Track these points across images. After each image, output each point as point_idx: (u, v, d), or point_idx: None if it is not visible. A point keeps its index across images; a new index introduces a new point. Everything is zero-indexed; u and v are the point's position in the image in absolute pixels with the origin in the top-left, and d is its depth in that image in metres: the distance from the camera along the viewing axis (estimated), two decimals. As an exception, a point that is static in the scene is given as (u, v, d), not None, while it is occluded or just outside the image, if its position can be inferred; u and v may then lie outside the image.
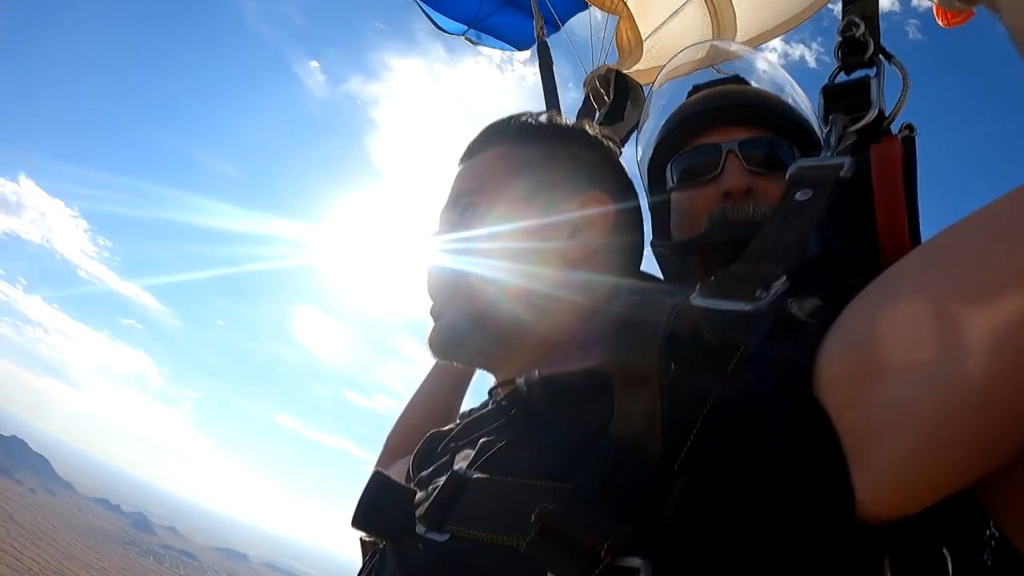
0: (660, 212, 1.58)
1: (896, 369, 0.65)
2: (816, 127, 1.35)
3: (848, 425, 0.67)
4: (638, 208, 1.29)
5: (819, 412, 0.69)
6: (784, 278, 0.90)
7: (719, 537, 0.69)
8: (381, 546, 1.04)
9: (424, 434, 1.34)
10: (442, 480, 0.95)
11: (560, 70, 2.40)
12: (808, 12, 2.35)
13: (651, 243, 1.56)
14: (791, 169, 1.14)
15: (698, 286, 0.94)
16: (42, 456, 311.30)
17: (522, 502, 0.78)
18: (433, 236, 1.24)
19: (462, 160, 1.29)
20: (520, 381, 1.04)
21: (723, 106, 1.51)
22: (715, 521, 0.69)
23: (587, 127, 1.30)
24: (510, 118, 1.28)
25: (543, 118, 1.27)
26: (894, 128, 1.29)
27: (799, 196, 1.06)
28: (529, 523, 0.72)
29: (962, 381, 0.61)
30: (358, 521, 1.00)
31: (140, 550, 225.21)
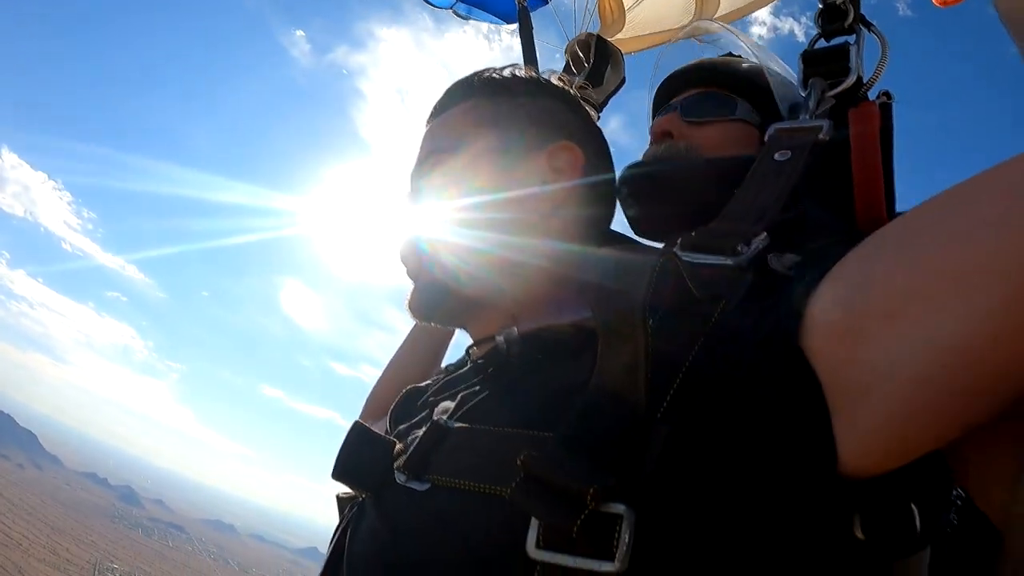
0: None
1: (882, 329, 0.66)
2: (796, 92, 1.34)
3: (834, 381, 0.68)
4: (607, 158, 1.28)
5: (805, 367, 0.70)
6: (764, 235, 0.92)
7: (700, 485, 0.70)
8: (360, 499, 1.02)
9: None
10: (421, 432, 0.94)
11: (545, 39, 2.37)
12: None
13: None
14: (769, 131, 1.17)
15: (679, 241, 0.96)
16: (29, 431, 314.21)
17: (504, 451, 0.79)
18: (404, 199, 1.23)
19: (429, 119, 1.28)
20: (499, 338, 1.04)
21: (682, 70, 1.57)
22: (696, 470, 0.70)
23: (553, 78, 1.30)
24: (475, 74, 1.27)
25: (507, 71, 1.26)
26: (872, 95, 1.29)
27: (778, 156, 1.08)
28: (511, 472, 0.72)
29: (947, 342, 0.63)
30: (337, 472, 1.00)
31: (128, 523, 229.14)
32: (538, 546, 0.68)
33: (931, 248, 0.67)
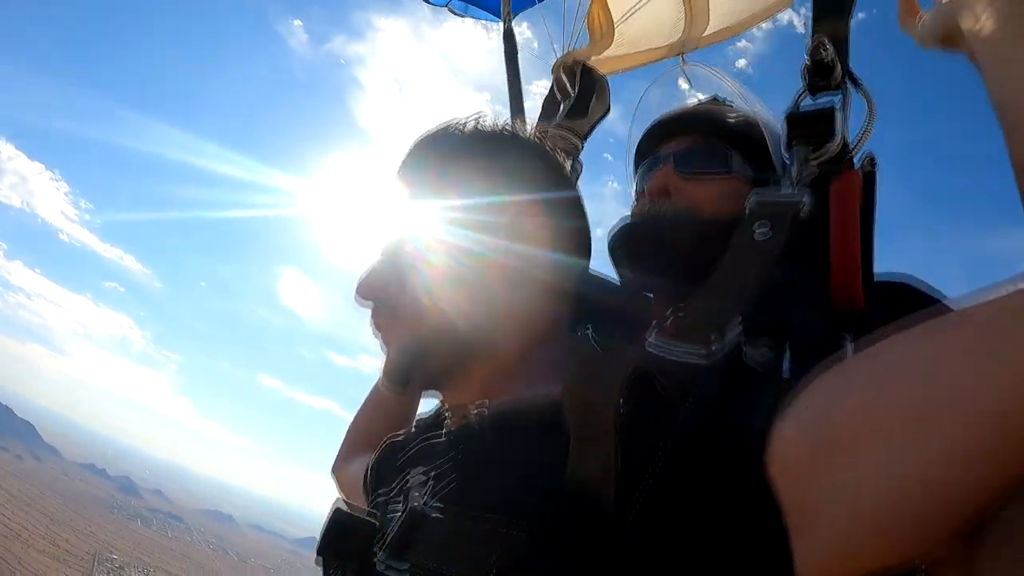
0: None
1: (835, 471, 0.68)
2: (782, 147, 1.32)
3: (792, 507, 0.70)
4: (577, 207, 1.26)
5: (766, 485, 0.72)
6: (739, 325, 0.93)
7: None
8: (344, 570, 1.08)
9: (381, 434, 1.40)
10: (400, 509, 1.02)
11: (531, 52, 2.39)
12: (782, 4, 2.32)
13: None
14: (750, 202, 1.17)
15: (655, 326, 0.98)
16: (27, 422, 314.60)
17: (479, 538, 0.84)
18: (377, 259, 1.22)
19: (398, 174, 1.27)
20: (472, 415, 1.08)
21: (671, 118, 1.57)
22: (663, 573, 0.73)
23: (519, 132, 1.26)
24: (436, 133, 1.25)
25: (469, 127, 1.24)
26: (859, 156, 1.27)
27: (758, 234, 1.09)
28: (485, 563, 0.78)
29: (894, 490, 0.65)
30: (322, 551, 1.07)
31: (127, 514, 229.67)
32: None
33: (884, 400, 0.68)
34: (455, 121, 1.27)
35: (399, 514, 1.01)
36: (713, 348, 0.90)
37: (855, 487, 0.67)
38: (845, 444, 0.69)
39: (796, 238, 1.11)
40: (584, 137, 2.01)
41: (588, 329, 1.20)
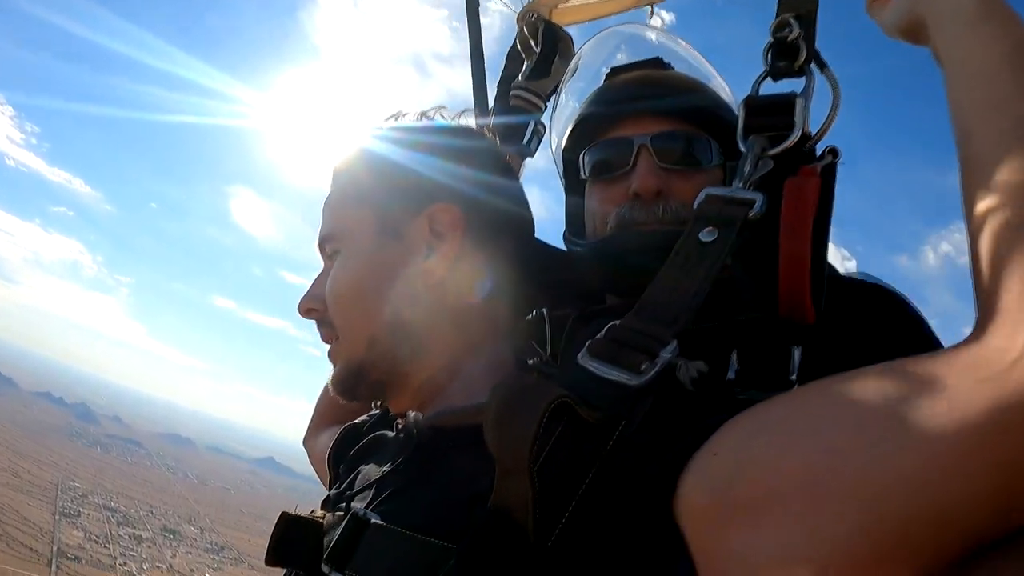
0: (573, 205, 1.56)
1: (741, 524, 0.69)
2: (738, 136, 1.22)
3: (699, 552, 0.72)
4: (511, 208, 1.25)
5: (674, 531, 0.74)
6: (673, 344, 0.91)
7: None
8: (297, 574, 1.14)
9: (347, 408, 1.47)
10: (345, 512, 1.06)
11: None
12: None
13: (564, 236, 1.57)
14: (699, 198, 1.11)
15: (587, 344, 0.95)
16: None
17: (412, 559, 0.91)
18: (309, 288, 1.25)
19: (330, 183, 1.29)
20: (410, 422, 1.13)
21: (637, 95, 1.45)
22: None
23: (435, 128, 1.25)
24: (356, 139, 1.26)
25: (383, 134, 1.24)
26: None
27: (703, 236, 1.04)
28: None
29: (798, 554, 0.65)
30: (270, 559, 1.10)
31: (86, 441, 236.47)
32: None
33: (799, 454, 0.68)
34: (392, 118, 1.27)
35: (344, 519, 1.04)
36: (643, 370, 0.89)
37: (753, 554, 0.68)
38: (745, 511, 0.69)
39: (745, 241, 1.06)
40: (547, 97, 1.94)
41: (543, 311, 1.25)
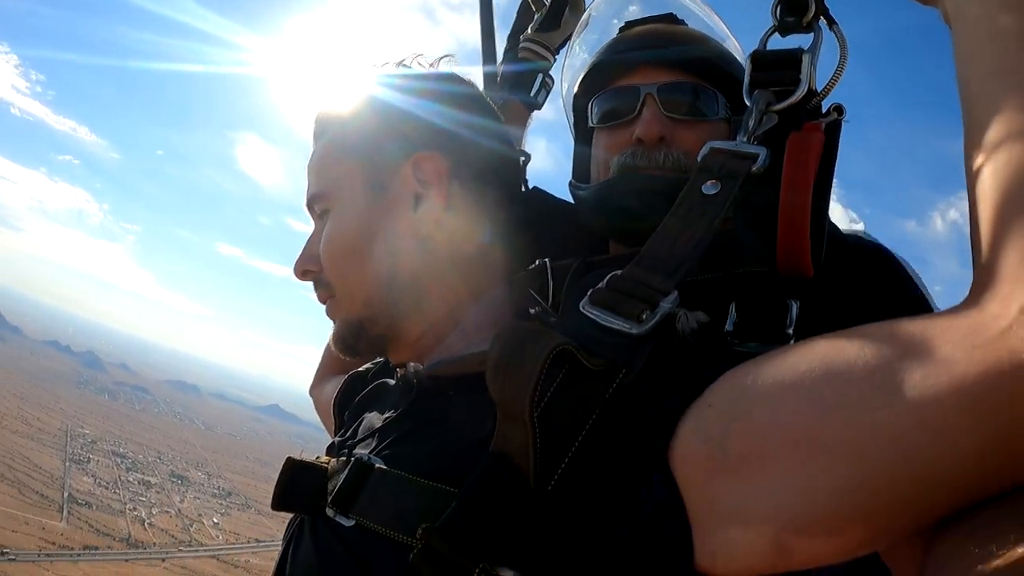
0: (580, 153, 1.58)
1: (733, 473, 0.72)
2: (744, 90, 1.22)
3: (691, 500, 0.75)
4: (500, 154, 1.26)
5: (669, 479, 0.77)
6: (674, 294, 0.92)
7: (579, 556, 0.79)
8: (300, 519, 1.15)
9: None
10: (349, 458, 1.08)
11: None
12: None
13: (569, 184, 1.58)
14: (703, 151, 1.11)
15: (589, 293, 0.97)
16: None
17: (415, 503, 0.93)
18: (303, 249, 1.25)
19: (313, 139, 1.30)
20: (410, 372, 1.16)
21: (648, 46, 1.46)
22: (577, 542, 0.79)
23: (416, 74, 1.26)
24: (336, 91, 1.25)
25: (363, 83, 1.24)
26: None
27: (706, 188, 1.04)
28: (417, 522, 0.84)
29: (787, 504, 0.68)
30: (276, 503, 1.12)
31: (94, 388, 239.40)
32: None
33: (792, 410, 0.70)
34: (383, 65, 1.27)
35: (348, 464, 1.06)
36: (644, 319, 0.90)
37: (743, 504, 0.71)
38: (739, 462, 0.72)
39: (747, 194, 1.08)
40: (556, 51, 1.95)
41: (545, 261, 1.25)
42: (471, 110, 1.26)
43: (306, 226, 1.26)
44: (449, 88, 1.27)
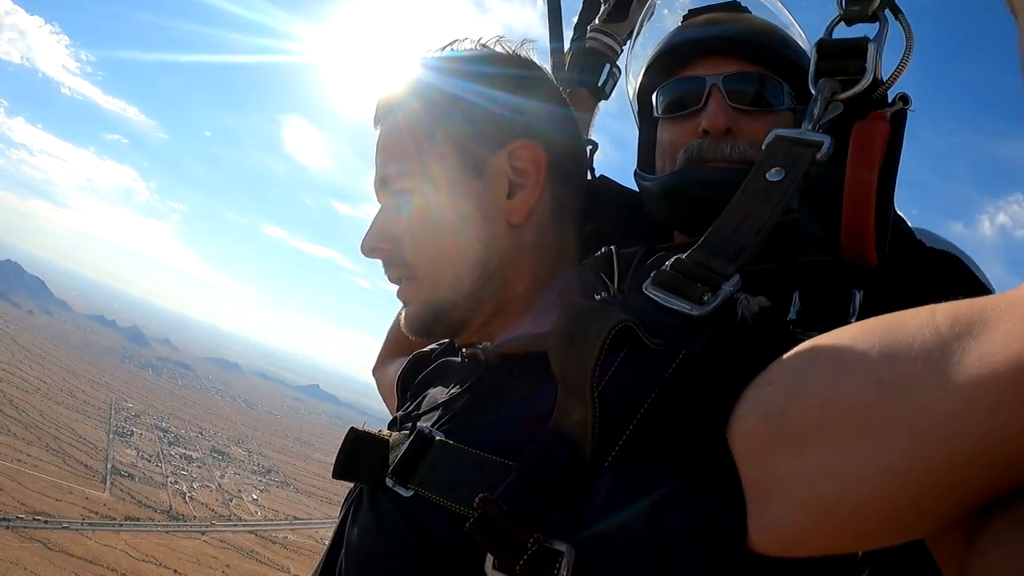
0: (645, 142, 1.59)
1: (790, 450, 0.72)
2: (809, 79, 1.22)
3: (747, 476, 0.75)
4: (573, 134, 1.28)
5: (726, 456, 0.77)
6: (736, 278, 0.94)
7: (634, 532, 0.78)
8: (360, 488, 1.17)
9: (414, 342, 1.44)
10: (411, 431, 1.10)
11: None
12: None
13: (634, 173, 1.58)
14: (768, 139, 1.11)
15: (652, 275, 0.99)
16: (37, 277, 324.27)
17: (474, 474, 0.94)
18: (373, 226, 1.24)
19: (376, 123, 1.27)
20: (479, 351, 1.17)
21: (713, 36, 1.45)
22: (632, 518, 0.79)
23: (501, 49, 1.26)
24: (414, 70, 1.24)
25: (448, 66, 1.23)
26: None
27: (770, 175, 1.04)
28: (475, 494, 0.85)
29: (843, 482, 0.68)
30: (337, 472, 1.14)
31: (138, 363, 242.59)
32: (494, 567, 0.82)
33: (849, 388, 0.69)
34: (447, 49, 1.26)
35: (410, 436, 1.08)
36: (705, 301, 0.91)
37: (798, 481, 0.71)
38: (796, 438, 0.72)
39: (811, 182, 1.07)
40: (623, 42, 1.94)
41: (611, 248, 1.27)
42: (555, 100, 1.28)
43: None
44: (535, 75, 1.28)
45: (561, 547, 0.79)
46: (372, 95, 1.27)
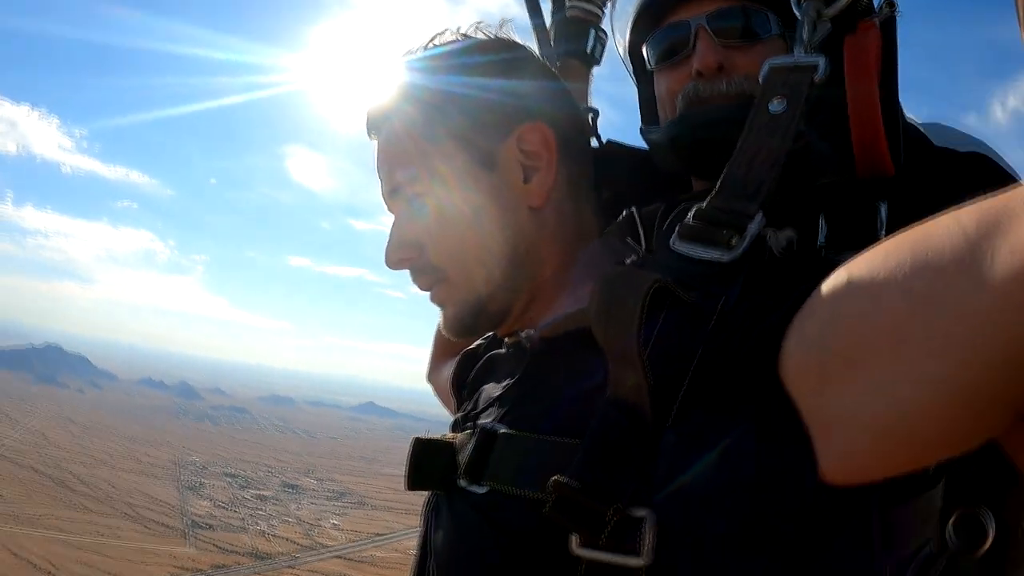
0: (646, 99, 1.60)
1: (842, 377, 0.73)
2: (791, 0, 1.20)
3: (807, 409, 0.76)
4: (578, 114, 1.28)
5: (782, 395, 0.78)
6: (759, 216, 0.94)
7: (707, 488, 0.80)
8: (435, 495, 1.18)
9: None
10: (474, 430, 1.10)
11: None
12: None
13: (640, 130, 1.58)
14: (764, 71, 1.11)
15: (676, 229, 1.00)
16: (78, 355, 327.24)
17: (542, 459, 0.94)
18: (388, 242, 1.23)
19: (371, 132, 1.26)
20: (523, 339, 1.19)
21: None
22: (704, 473, 0.80)
23: (485, 45, 1.24)
24: (402, 70, 1.22)
25: (434, 64, 1.21)
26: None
27: (773, 107, 1.05)
28: (548, 478, 0.85)
29: (896, 399, 0.68)
30: (409, 484, 1.15)
31: (193, 416, 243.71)
32: (579, 545, 0.83)
33: (885, 307, 0.70)
34: (431, 45, 1.25)
35: (474, 435, 1.09)
36: (733, 245, 0.92)
37: (855, 406, 0.72)
38: (844, 365, 0.73)
39: (814, 106, 1.06)
40: (603, 4, 1.92)
41: (632, 209, 1.27)
42: (546, 76, 1.26)
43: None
44: (522, 55, 1.26)
45: (642, 512, 0.80)
46: (363, 107, 1.26)
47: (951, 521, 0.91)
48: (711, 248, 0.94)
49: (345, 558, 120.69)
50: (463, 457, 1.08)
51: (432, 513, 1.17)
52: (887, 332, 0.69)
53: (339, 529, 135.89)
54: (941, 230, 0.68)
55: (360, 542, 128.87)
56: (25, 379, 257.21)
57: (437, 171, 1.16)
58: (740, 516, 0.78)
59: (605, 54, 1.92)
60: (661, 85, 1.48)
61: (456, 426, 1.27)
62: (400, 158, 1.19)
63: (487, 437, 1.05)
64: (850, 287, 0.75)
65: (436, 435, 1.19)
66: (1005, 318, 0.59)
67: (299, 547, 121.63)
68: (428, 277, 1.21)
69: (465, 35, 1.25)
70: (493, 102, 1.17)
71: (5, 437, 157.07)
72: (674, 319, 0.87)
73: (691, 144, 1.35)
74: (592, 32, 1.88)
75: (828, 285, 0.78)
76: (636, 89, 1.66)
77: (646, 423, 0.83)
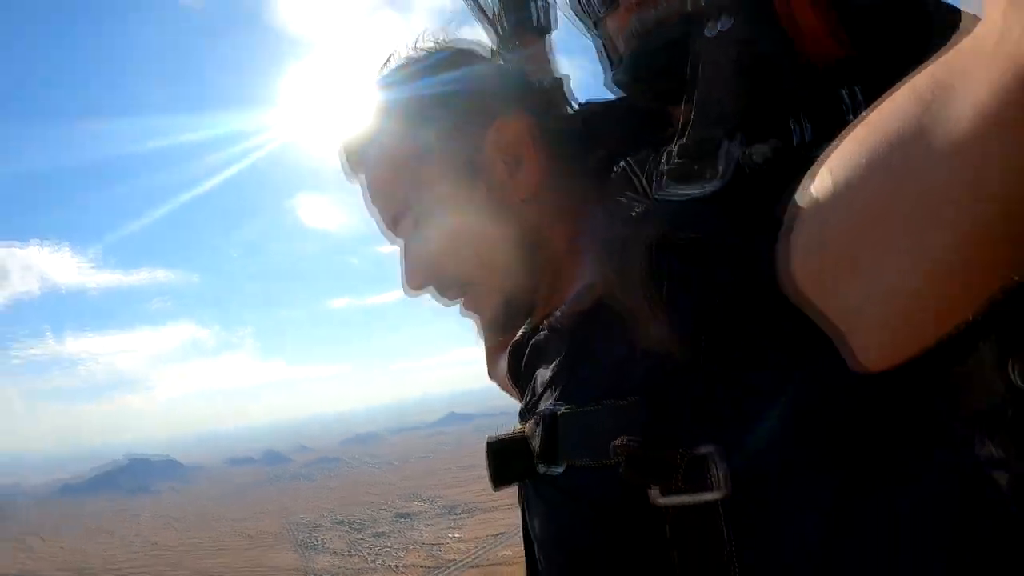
0: (602, 51, 1.59)
1: (847, 278, 0.75)
2: None
3: (832, 312, 0.78)
4: (544, 90, 1.31)
5: (805, 303, 0.80)
6: (727, 141, 0.96)
7: (762, 414, 0.83)
8: (523, 486, 1.21)
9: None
10: (537, 417, 1.13)
11: None
12: None
13: (605, 81, 1.57)
14: None
15: (664, 174, 1.03)
16: (163, 457, 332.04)
17: (604, 425, 0.96)
18: (403, 270, 1.27)
19: (355, 168, 1.29)
20: (553, 319, 1.21)
21: None
22: (753, 402, 0.84)
23: (430, 59, 1.26)
24: (375, 95, 1.25)
25: (394, 87, 1.23)
26: None
27: (714, 29, 1.04)
28: (615, 439, 0.90)
29: (902, 288, 0.70)
30: (496, 483, 1.19)
31: (287, 479, 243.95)
32: (661, 495, 0.87)
33: (870, 190, 0.70)
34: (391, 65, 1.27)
35: (539, 422, 1.11)
36: (708, 176, 0.94)
37: (876, 293, 0.73)
38: (847, 259, 0.74)
39: (755, 14, 1.04)
40: None
41: (623, 162, 1.24)
42: (499, 68, 1.29)
43: (395, 246, 1.28)
44: (467, 51, 1.27)
45: (707, 449, 0.84)
46: (338, 149, 1.28)
47: (1011, 366, 0.89)
48: (696, 184, 0.96)
49: (479, 566, 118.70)
50: (535, 444, 1.12)
51: (525, 504, 1.21)
52: (876, 215, 0.70)
53: (462, 541, 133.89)
54: (898, 101, 0.68)
55: (485, 547, 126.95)
56: (117, 496, 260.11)
57: (429, 191, 1.19)
58: (799, 435, 0.82)
59: (557, 17, 1.89)
60: (609, 31, 1.48)
61: (523, 416, 1.30)
62: (392, 188, 1.23)
63: (550, 420, 1.09)
64: (833, 180, 0.76)
65: (506, 431, 1.22)
66: (985, 175, 0.59)
67: (428, 569, 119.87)
68: (453, 292, 1.26)
69: (415, 47, 1.27)
70: (457, 110, 1.19)
71: (119, 559, 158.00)
72: (679, 264, 0.90)
73: (650, 77, 1.34)
74: (530, 2, 1.86)
75: (813, 185, 0.79)
76: (594, 45, 1.63)
77: (683, 368, 0.87)
